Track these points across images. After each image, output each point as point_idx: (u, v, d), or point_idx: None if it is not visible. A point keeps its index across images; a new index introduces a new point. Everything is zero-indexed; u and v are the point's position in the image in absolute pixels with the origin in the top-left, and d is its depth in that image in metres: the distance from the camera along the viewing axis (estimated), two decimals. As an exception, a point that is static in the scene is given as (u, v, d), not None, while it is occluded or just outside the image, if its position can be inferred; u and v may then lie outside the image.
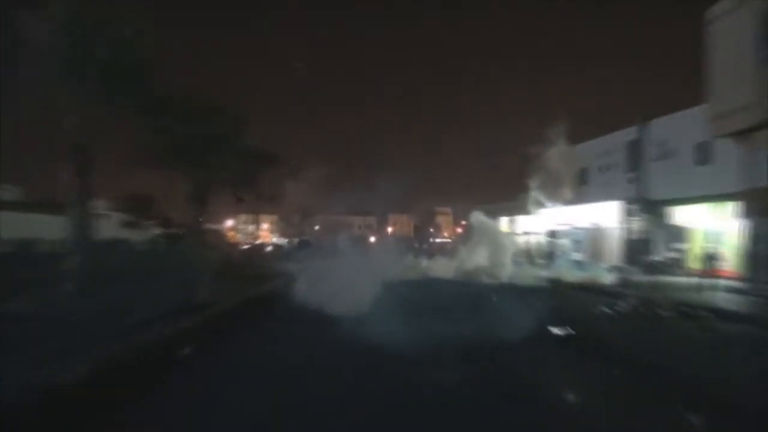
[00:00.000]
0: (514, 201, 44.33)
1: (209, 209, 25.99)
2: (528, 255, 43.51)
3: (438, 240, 72.45)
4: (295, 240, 57.86)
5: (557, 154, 38.17)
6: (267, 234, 79.07)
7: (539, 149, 37.99)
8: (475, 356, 12.71)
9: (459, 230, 59.66)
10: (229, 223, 71.02)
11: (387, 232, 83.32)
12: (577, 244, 39.34)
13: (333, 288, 19.47)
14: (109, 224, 38.93)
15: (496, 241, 34.52)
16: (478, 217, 36.77)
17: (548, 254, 41.17)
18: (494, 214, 43.32)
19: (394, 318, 16.73)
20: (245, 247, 53.30)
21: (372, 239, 62.50)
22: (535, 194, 39.56)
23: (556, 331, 15.41)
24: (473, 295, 23.74)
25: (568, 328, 15.60)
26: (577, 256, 37.87)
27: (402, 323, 15.88)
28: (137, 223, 49.33)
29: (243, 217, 74.99)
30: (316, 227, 64.66)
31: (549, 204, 40.16)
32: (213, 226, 71.01)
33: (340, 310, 17.55)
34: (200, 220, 24.88)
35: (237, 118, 23.69)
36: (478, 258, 33.44)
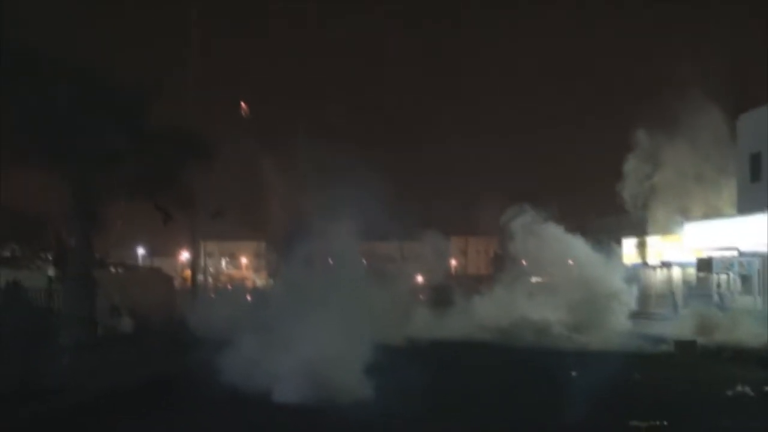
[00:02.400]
0: (637, 214, 43.58)
1: (106, 230, 26.00)
2: (670, 298, 42.56)
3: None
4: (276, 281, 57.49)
5: (704, 130, 37.36)
6: (247, 272, 79.18)
7: (670, 123, 37.29)
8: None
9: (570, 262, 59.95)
10: (184, 257, 71.61)
11: (448, 268, 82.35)
12: (746, 280, 38.18)
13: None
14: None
15: (578, 272, 33.95)
16: (527, 224, 36.30)
17: (698, 297, 40.06)
18: (609, 235, 42.50)
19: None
20: (211, 294, 53.46)
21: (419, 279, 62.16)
22: (665, 202, 38.81)
23: (636, 423, 15.22)
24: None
25: (662, 421, 15.26)
26: (743, 300, 36.79)
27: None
28: (18, 258, 49.53)
29: (210, 247, 75.65)
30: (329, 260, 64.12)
31: (694, 218, 39.29)
32: (138, 263, 71.75)
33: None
34: (87, 248, 24.81)
35: (139, 81, 23.75)
36: (545, 304, 33.14)
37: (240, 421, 16.24)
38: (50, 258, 47.01)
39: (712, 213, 39.13)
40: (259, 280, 76.06)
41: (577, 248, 36.98)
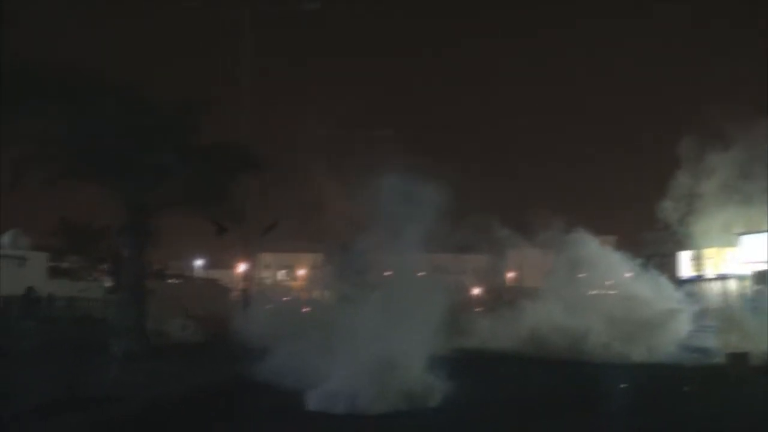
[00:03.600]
0: (688, 227, 43.00)
1: (160, 243, 26.25)
2: (727, 313, 41.85)
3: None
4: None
5: (754, 144, 36.79)
6: (304, 284, 78.83)
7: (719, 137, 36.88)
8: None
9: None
10: (241, 268, 72.30)
11: (504, 280, 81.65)
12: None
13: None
14: (27, 273, 39.58)
15: (630, 286, 33.60)
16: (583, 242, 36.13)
17: (754, 310, 39.29)
18: (661, 248, 41.92)
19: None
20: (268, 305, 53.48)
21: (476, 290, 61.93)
22: (715, 215, 38.29)
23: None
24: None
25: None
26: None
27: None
28: (76, 270, 50.32)
29: (268, 259, 75.89)
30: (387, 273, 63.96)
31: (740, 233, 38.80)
32: (198, 274, 72.37)
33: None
34: (139, 260, 25.05)
35: (183, 100, 23.99)
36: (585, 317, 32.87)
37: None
38: (107, 269, 47.83)
39: (755, 228, 38.54)
40: (316, 292, 76.04)
41: (616, 262, 36.70)
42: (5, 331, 26.15)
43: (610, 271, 36.46)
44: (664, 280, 36.67)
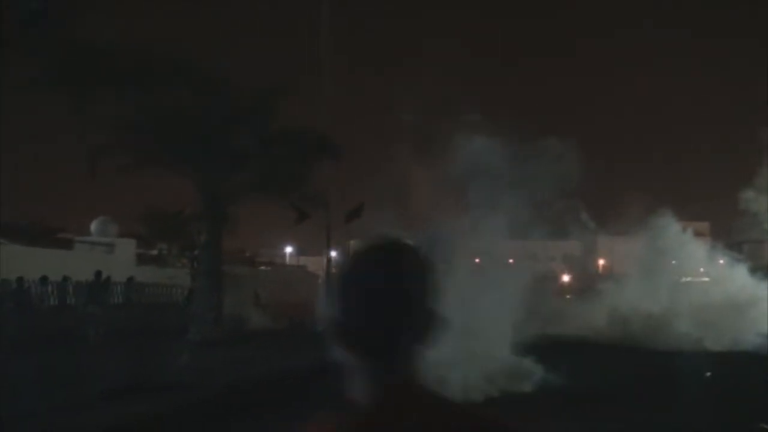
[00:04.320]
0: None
1: (238, 229, 26.14)
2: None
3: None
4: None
5: None
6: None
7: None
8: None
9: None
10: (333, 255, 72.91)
11: (593, 267, 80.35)
12: None
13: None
14: (116, 259, 39.82)
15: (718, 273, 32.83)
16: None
17: None
18: (749, 233, 40.83)
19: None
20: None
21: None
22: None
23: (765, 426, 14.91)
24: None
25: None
26: None
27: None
28: (164, 256, 50.91)
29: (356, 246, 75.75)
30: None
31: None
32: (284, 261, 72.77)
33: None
34: (217, 247, 24.91)
35: (262, 85, 23.82)
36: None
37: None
38: (189, 256, 48.13)
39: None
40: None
41: (697, 249, 35.81)
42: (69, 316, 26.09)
43: (693, 258, 35.57)
44: (751, 268, 35.76)
